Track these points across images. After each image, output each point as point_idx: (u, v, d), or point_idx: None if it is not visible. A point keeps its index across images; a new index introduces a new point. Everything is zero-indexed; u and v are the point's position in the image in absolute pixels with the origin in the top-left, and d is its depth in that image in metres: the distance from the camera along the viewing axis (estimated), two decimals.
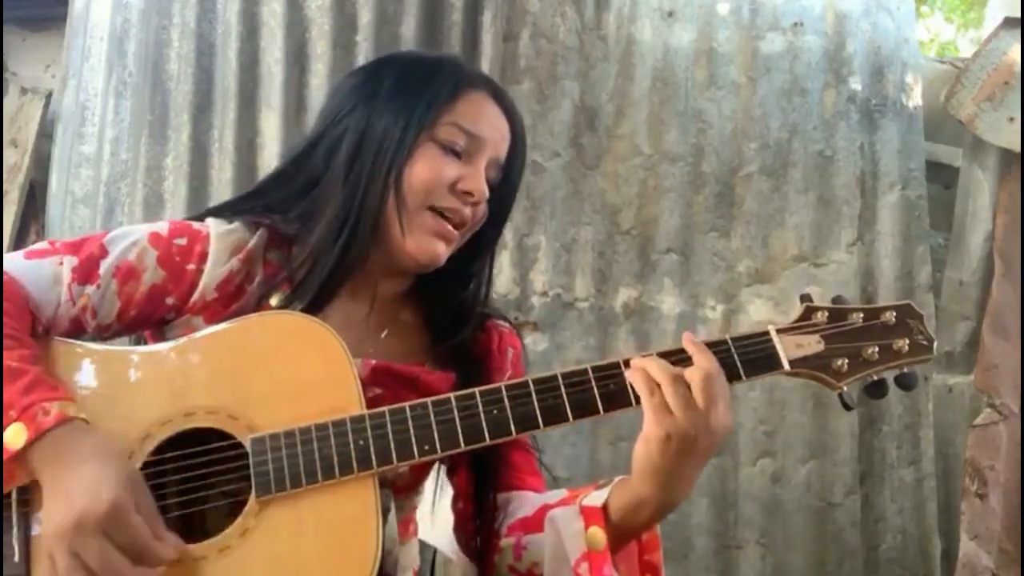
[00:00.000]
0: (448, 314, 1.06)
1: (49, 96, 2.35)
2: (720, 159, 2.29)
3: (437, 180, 0.96)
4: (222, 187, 2.13)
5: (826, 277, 2.25)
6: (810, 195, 2.28)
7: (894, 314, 0.93)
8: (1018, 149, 2.09)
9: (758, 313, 2.26)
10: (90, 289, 0.92)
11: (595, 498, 0.89)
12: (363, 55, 2.16)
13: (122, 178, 2.19)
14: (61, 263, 0.92)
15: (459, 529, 1.07)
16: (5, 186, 2.28)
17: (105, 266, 0.93)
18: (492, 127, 1.01)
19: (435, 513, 1.12)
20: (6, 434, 0.78)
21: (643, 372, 0.85)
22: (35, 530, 0.82)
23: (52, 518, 0.78)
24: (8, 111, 2.33)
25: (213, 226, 0.98)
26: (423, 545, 1.15)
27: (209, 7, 2.18)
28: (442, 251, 0.99)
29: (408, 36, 2.15)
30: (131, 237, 0.95)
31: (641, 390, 0.84)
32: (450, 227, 0.98)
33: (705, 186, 2.29)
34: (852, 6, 2.32)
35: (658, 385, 0.83)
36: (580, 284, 2.24)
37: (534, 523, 0.95)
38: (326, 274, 0.96)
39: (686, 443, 0.82)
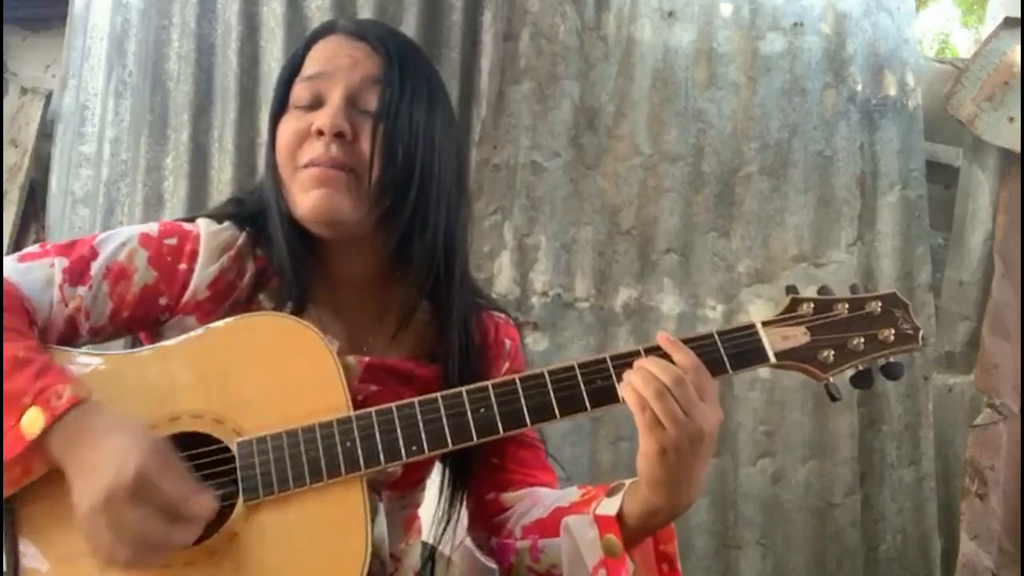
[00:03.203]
0: (422, 285, 1.00)
1: (49, 96, 2.35)
2: (720, 159, 2.29)
3: (291, 139, 0.95)
4: (222, 187, 2.13)
5: (826, 277, 2.25)
6: (810, 195, 2.28)
7: (879, 304, 0.93)
8: (1018, 149, 2.09)
9: (758, 313, 2.26)
10: (82, 290, 0.92)
11: (608, 506, 0.89)
12: None
13: (122, 178, 2.19)
14: (52, 265, 0.92)
15: (471, 527, 1.08)
16: (5, 186, 2.29)
17: (96, 267, 0.93)
18: (337, 57, 0.97)
19: (437, 513, 1.12)
20: (23, 421, 0.78)
21: (632, 390, 0.84)
22: (23, 545, 0.82)
23: (83, 498, 0.77)
24: (8, 111, 2.34)
25: (203, 226, 0.98)
26: (422, 545, 1.15)
27: (209, 7, 2.18)
28: (328, 197, 0.92)
29: (408, 36, 2.15)
30: (121, 238, 0.96)
31: (632, 407, 0.84)
32: (325, 170, 0.93)
33: (705, 186, 2.29)
34: (852, 6, 2.32)
35: (648, 403, 0.83)
36: (580, 284, 2.24)
37: (549, 527, 0.95)
38: (292, 271, 0.96)
39: (683, 451, 0.82)
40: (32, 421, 0.78)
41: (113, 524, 0.76)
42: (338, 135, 0.93)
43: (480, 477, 1.05)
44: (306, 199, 0.93)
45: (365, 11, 2.16)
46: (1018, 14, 2.12)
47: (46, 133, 2.33)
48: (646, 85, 2.29)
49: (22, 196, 2.30)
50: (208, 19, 2.18)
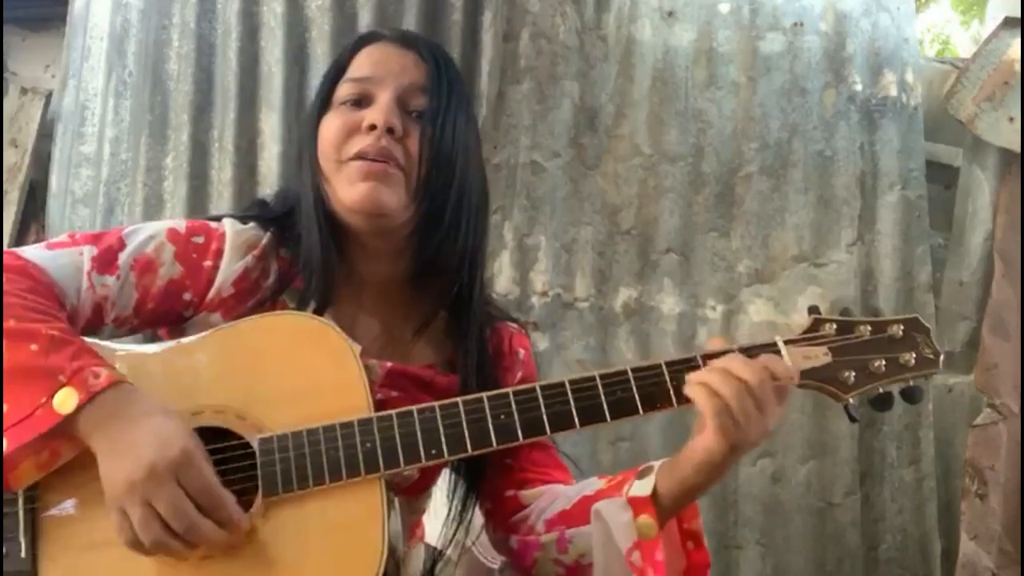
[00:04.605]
0: (445, 294, 1.03)
1: (49, 96, 2.35)
2: (720, 159, 2.29)
3: (337, 133, 0.98)
4: (222, 187, 2.13)
5: (826, 277, 2.25)
6: (810, 195, 2.28)
7: (901, 327, 0.93)
8: (1018, 149, 2.09)
9: (758, 313, 2.26)
10: (109, 280, 0.94)
11: (641, 488, 0.90)
12: None
13: (122, 178, 2.19)
14: (81, 253, 0.94)
15: (489, 529, 1.08)
16: (5, 186, 2.29)
17: (123, 258, 0.95)
18: (387, 62, 1.01)
19: (438, 515, 1.12)
20: (56, 399, 0.79)
21: (706, 388, 0.86)
22: (44, 532, 0.83)
23: (120, 473, 0.78)
24: (8, 111, 2.33)
25: (229, 225, 1.00)
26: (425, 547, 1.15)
27: (209, 7, 2.18)
28: (375, 190, 0.95)
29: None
30: (149, 231, 0.98)
31: (706, 407, 0.85)
32: (373, 163, 0.96)
33: (705, 186, 2.29)
34: (852, 6, 2.32)
35: (726, 404, 0.85)
36: (580, 284, 2.24)
37: (576, 516, 0.96)
38: (321, 269, 0.97)
39: (747, 447, 0.86)
40: (65, 400, 0.79)
41: (149, 499, 0.77)
42: (389, 130, 0.96)
43: (496, 477, 1.05)
44: (353, 190, 0.96)
45: (365, 11, 2.16)
46: (1018, 14, 2.12)
47: (46, 133, 2.33)
48: (646, 85, 2.29)
49: (22, 196, 2.29)
50: (208, 19, 2.18)
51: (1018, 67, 2.10)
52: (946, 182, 2.38)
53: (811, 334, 0.94)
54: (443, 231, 0.99)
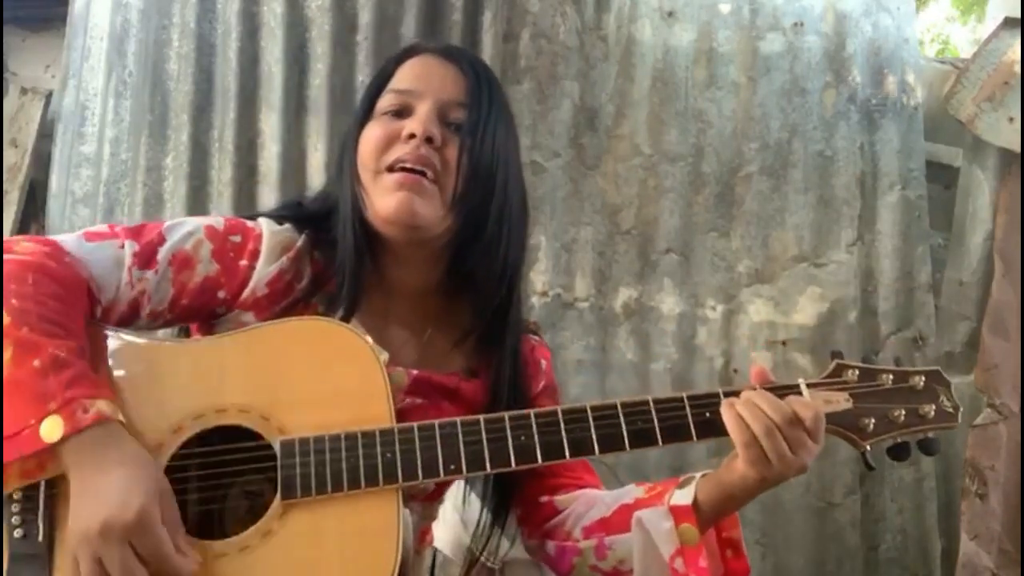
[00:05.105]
0: (482, 306, 1.04)
1: (49, 96, 2.35)
2: (720, 159, 2.29)
3: (378, 142, 0.99)
4: (222, 187, 2.13)
5: (826, 277, 2.24)
6: (810, 195, 2.28)
7: (923, 379, 0.95)
8: (1018, 149, 2.09)
9: (758, 313, 2.26)
10: (149, 274, 0.95)
11: (682, 497, 0.92)
12: (363, 55, 2.16)
13: (122, 178, 2.19)
14: (123, 247, 0.94)
15: (523, 536, 1.09)
16: (5, 186, 2.29)
17: (163, 253, 0.96)
18: (428, 75, 1.03)
19: (445, 520, 1.13)
20: (43, 426, 0.79)
21: (738, 417, 0.87)
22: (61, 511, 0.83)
23: (79, 520, 0.78)
24: (8, 111, 2.33)
25: (265, 225, 1.02)
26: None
27: (209, 7, 2.18)
28: (410, 200, 0.97)
29: (408, 36, 2.15)
30: (188, 227, 0.99)
31: (735, 436, 0.87)
32: (409, 174, 0.97)
33: (705, 186, 2.29)
34: (852, 6, 2.32)
35: (754, 437, 0.86)
36: (580, 284, 2.24)
37: (615, 524, 0.98)
38: (352, 275, 0.99)
39: (782, 480, 0.89)
40: (52, 429, 0.79)
41: (98, 556, 0.77)
42: (428, 140, 0.97)
43: (530, 484, 1.06)
44: (389, 200, 0.97)
45: (365, 11, 2.16)
46: (1018, 14, 2.12)
47: (46, 133, 2.33)
48: (646, 85, 2.29)
49: (22, 196, 2.30)
50: (208, 19, 2.18)
51: (1018, 67, 2.10)
52: (946, 182, 2.38)
53: (833, 379, 0.95)
54: (483, 244, 1.01)
